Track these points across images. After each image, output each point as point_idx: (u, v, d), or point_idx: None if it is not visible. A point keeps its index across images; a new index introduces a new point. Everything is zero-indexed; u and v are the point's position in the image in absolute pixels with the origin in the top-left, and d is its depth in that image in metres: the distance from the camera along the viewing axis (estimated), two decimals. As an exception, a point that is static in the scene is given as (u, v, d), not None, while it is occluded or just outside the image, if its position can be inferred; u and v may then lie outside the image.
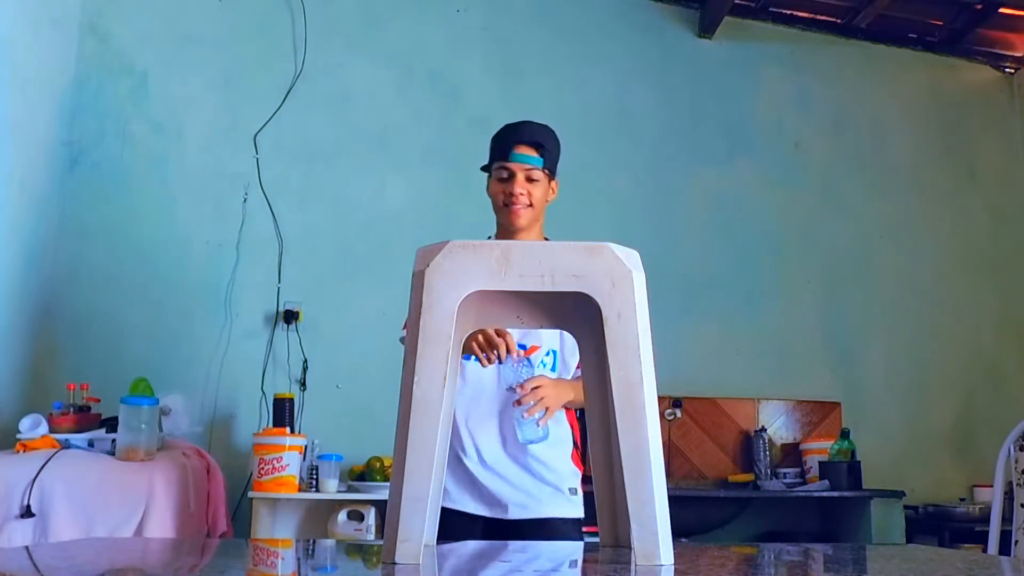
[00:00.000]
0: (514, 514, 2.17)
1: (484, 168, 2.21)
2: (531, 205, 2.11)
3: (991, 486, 3.08)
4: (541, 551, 1.50)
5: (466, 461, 2.19)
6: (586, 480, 2.24)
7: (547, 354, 2.19)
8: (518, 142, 2.11)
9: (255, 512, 3.38)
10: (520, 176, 2.10)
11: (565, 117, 4.31)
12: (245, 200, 3.99)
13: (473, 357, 2.06)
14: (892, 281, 4.53)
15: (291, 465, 3.39)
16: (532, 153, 2.10)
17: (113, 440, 2.92)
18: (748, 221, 4.43)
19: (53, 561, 1.18)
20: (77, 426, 3.02)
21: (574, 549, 1.57)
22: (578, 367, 2.19)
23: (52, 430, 2.95)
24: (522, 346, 2.16)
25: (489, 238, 2.20)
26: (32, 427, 2.91)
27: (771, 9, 4.63)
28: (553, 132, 2.17)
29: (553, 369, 2.19)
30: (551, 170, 2.15)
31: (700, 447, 4.17)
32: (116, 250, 3.87)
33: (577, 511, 2.24)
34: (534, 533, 2.12)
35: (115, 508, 2.69)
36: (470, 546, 1.65)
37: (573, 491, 2.23)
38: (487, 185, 2.20)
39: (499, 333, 1.99)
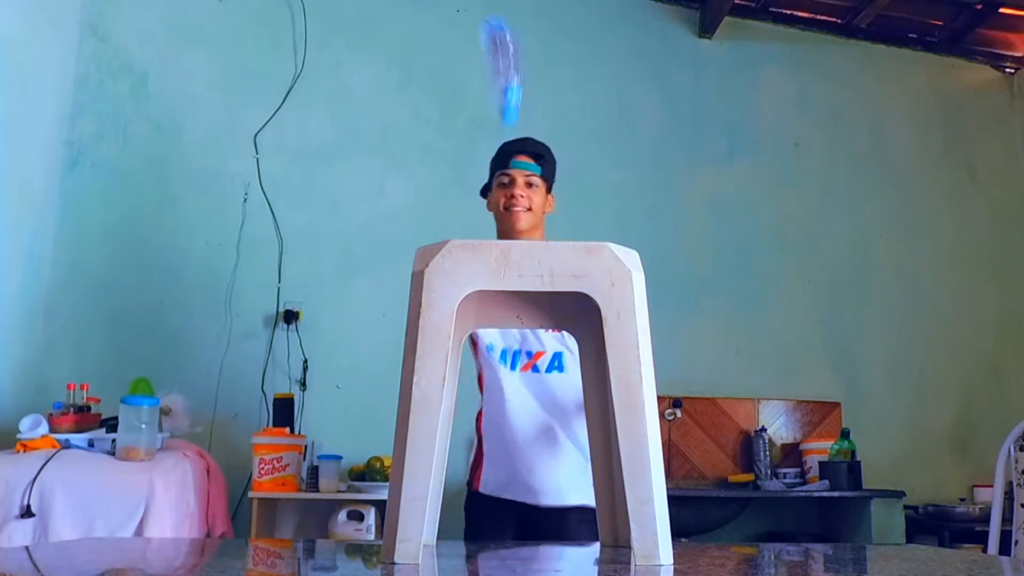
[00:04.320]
0: (549, 501, 2.23)
1: (483, 192, 2.34)
2: (530, 209, 2.23)
3: (991, 486, 3.08)
4: (540, 551, 1.51)
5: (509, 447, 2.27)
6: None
7: (552, 358, 2.26)
8: (519, 152, 2.26)
9: (255, 512, 3.38)
10: (520, 180, 2.24)
11: (565, 117, 4.33)
12: (245, 200, 3.99)
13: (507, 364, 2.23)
14: (892, 281, 4.53)
15: (291, 465, 3.39)
16: (531, 161, 2.25)
17: (113, 440, 2.91)
18: (748, 221, 4.43)
19: (53, 561, 1.18)
20: (77, 426, 3.01)
21: (573, 549, 1.57)
22: None
23: (52, 430, 2.94)
24: (529, 353, 2.26)
25: None
26: (32, 427, 2.90)
27: (771, 9, 4.63)
28: (550, 150, 2.32)
29: (561, 370, 2.25)
30: (549, 180, 2.29)
31: (700, 447, 4.17)
32: (116, 250, 3.87)
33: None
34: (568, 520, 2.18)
35: (115, 508, 2.68)
36: (468, 546, 1.65)
37: None
38: (487, 202, 2.32)
39: None
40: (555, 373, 2.25)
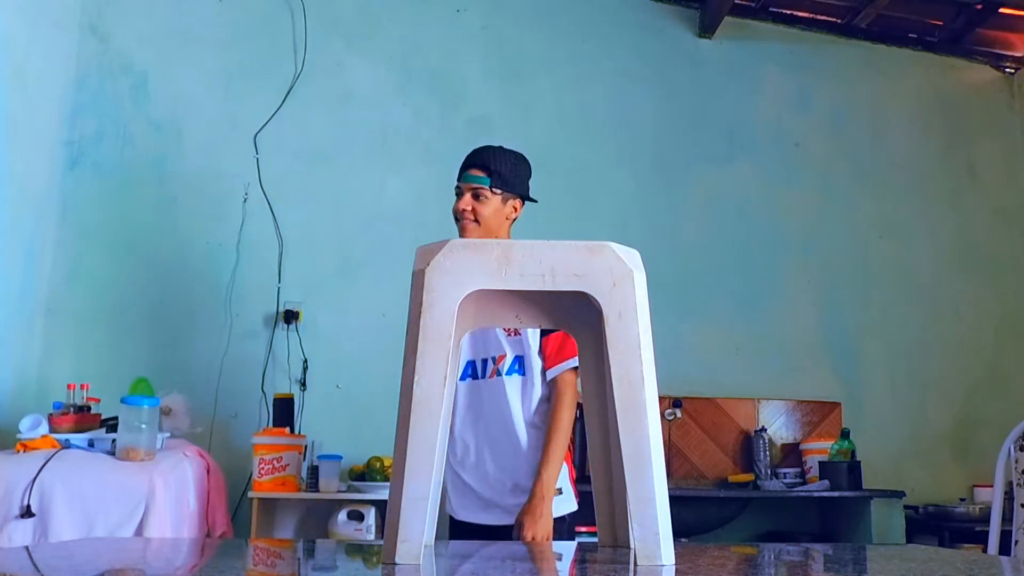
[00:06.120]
0: (493, 520, 2.32)
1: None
2: (477, 221, 2.29)
3: (991, 486, 3.08)
4: (540, 551, 1.50)
5: (457, 467, 2.39)
6: (584, 479, 2.26)
7: (513, 361, 2.34)
8: (469, 165, 2.32)
9: (255, 512, 3.38)
10: (467, 194, 2.30)
11: (565, 117, 4.34)
12: (245, 200, 3.99)
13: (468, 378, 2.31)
14: (892, 281, 4.53)
15: (291, 465, 3.39)
16: (479, 173, 2.30)
17: (113, 440, 2.91)
18: (748, 221, 4.42)
19: (53, 561, 1.18)
20: (77, 426, 3.01)
21: (572, 550, 1.57)
22: (546, 368, 2.33)
23: (52, 430, 2.94)
24: (493, 358, 2.33)
25: None
26: (32, 427, 2.90)
27: (771, 9, 4.62)
28: (509, 156, 2.34)
29: (521, 372, 2.33)
30: (503, 189, 2.31)
31: (700, 447, 4.17)
32: (116, 250, 3.87)
33: (562, 509, 2.33)
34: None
35: (115, 508, 2.68)
36: (469, 547, 1.65)
37: (557, 491, 2.31)
38: None
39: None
40: (515, 376, 2.32)
